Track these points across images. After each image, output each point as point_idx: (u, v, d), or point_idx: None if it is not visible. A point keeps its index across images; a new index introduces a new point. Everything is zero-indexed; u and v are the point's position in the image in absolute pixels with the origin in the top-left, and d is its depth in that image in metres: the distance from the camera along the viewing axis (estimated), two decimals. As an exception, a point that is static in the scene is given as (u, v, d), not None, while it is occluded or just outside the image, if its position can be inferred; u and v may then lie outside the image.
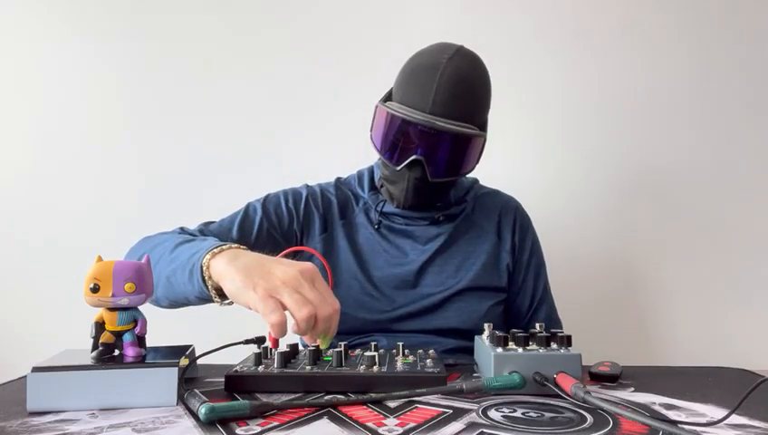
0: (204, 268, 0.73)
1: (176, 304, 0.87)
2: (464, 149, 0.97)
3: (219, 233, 0.99)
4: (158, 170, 1.57)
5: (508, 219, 1.11)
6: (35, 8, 1.57)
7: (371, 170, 1.13)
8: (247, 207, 1.06)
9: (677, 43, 1.52)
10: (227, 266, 0.70)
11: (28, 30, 1.57)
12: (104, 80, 1.58)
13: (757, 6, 1.50)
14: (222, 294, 0.74)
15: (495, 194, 1.16)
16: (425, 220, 1.06)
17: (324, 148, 1.55)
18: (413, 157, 0.94)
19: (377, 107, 1.00)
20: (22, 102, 1.57)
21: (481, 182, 1.18)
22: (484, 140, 1.00)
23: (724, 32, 1.51)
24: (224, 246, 0.75)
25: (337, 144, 1.54)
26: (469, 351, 0.98)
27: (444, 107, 0.92)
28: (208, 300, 0.77)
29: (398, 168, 0.96)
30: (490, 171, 1.15)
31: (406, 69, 0.98)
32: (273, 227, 1.04)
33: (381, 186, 1.06)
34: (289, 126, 1.56)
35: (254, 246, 0.98)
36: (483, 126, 1.00)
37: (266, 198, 1.08)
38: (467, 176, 1.12)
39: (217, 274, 0.71)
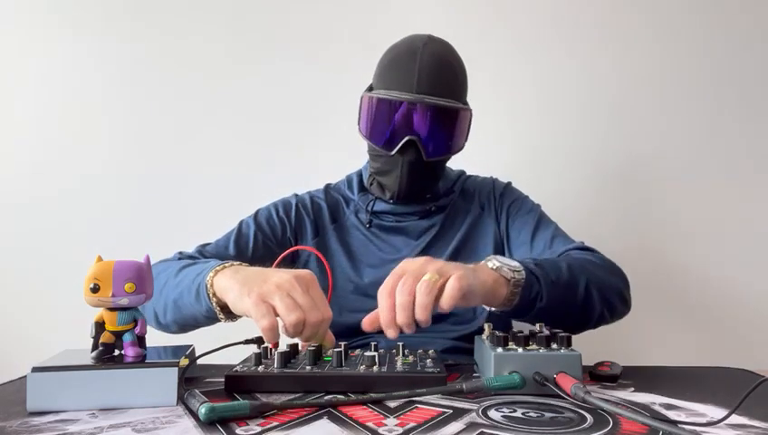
0: (208, 286, 0.75)
1: (185, 326, 0.89)
2: (454, 124, 0.99)
3: (216, 253, 1.00)
4: (157, 171, 1.56)
5: (486, 192, 1.13)
6: (34, 8, 1.57)
7: (360, 173, 1.14)
8: (240, 224, 1.07)
9: (663, 39, 1.52)
10: (229, 280, 0.73)
11: (27, 30, 1.57)
12: (105, 80, 1.57)
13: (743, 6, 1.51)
14: (228, 313, 0.77)
15: (476, 178, 1.18)
16: (415, 215, 1.07)
17: (324, 153, 1.54)
18: (407, 138, 0.95)
19: (362, 98, 1.02)
20: (21, 102, 1.57)
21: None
22: (471, 115, 1.02)
23: (717, 26, 1.52)
24: (226, 264, 0.78)
25: (336, 149, 1.53)
26: (469, 352, 0.98)
27: (428, 86, 0.95)
28: (216, 318, 0.80)
29: (393, 152, 0.97)
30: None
31: (383, 60, 1.02)
32: (268, 238, 1.05)
33: (371, 183, 1.07)
34: (289, 131, 1.56)
35: (252, 261, 0.99)
36: (466, 104, 1.02)
37: (257, 212, 1.10)
38: (453, 169, 1.16)
39: (221, 289, 0.74)
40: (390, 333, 0.68)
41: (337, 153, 1.51)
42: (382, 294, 0.68)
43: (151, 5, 1.57)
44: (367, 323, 0.71)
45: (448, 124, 0.98)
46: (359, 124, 1.03)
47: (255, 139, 1.56)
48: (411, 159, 0.97)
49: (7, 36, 1.57)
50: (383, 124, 0.98)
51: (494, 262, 0.77)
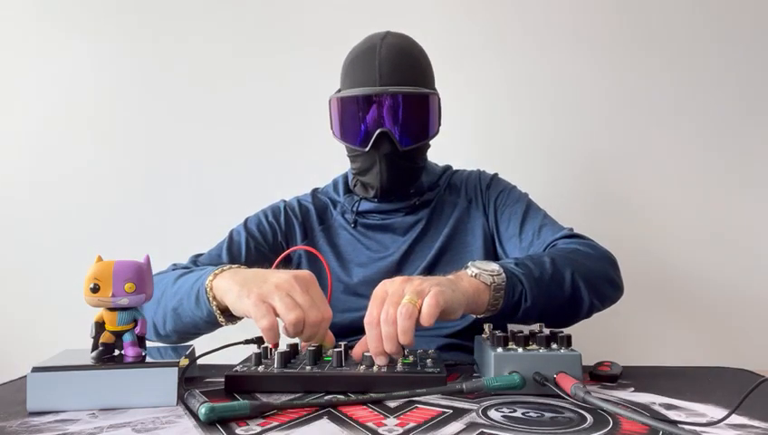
0: (208, 289, 0.76)
1: (185, 335, 0.88)
2: (422, 110, 1.00)
3: (210, 262, 1.00)
4: (157, 171, 1.57)
5: (472, 185, 1.13)
6: (35, 7, 1.57)
7: (345, 176, 1.15)
8: (230, 233, 1.07)
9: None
10: (228, 282, 0.73)
11: (26, 30, 1.57)
12: (105, 80, 1.58)
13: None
14: (228, 317, 0.77)
15: (463, 172, 1.17)
16: (400, 211, 1.07)
17: (318, 155, 1.54)
18: (378, 131, 0.96)
19: (330, 101, 1.02)
20: (21, 103, 1.57)
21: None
22: (440, 100, 1.02)
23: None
24: (224, 267, 0.78)
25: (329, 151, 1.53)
26: (465, 348, 0.97)
27: (391, 76, 0.96)
28: (217, 323, 0.80)
29: (368, 148, 0.97)
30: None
31: (345, 61, 1.03)
32: (260, 244, 1.05)
33: (355, 184, 1.08)
34: (287, 132, 1.56)
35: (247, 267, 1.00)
36: (433, 90, 1.03)
37: (246, 220, 1.10)
38: (439, 164, 1.15)
39: (220, 291, 0.75)
40: (380, 361, 0.68)
41: (329, 155, 1.52)
42: (369, 324, 0.68)
43: (150, 6, 1.57)
44: (357, 353, 0.72)
45: (417, 111, 0.99)
46: (331, 128, 1.03)
47: (255, 138, 1.56)
48: (387, 152, 0.97)
49: (7, 36, 1.57)
50: (354, 122, 0.99)
51: (472, 269, 0.77)
